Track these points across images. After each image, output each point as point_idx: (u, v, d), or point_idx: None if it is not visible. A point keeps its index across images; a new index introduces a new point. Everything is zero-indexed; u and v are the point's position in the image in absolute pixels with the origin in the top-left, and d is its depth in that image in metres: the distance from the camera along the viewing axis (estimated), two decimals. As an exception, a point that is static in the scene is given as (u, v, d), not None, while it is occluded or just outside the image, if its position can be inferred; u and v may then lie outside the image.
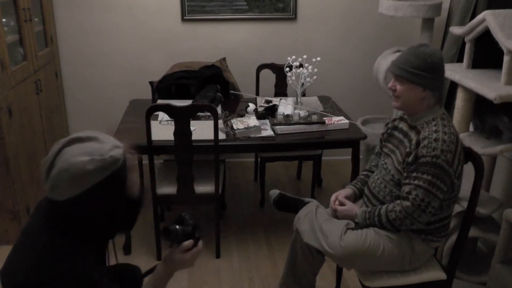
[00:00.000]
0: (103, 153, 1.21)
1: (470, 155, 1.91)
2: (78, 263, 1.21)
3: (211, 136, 2.53)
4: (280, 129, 2.74)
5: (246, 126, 2.71)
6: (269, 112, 2.96)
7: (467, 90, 2.23)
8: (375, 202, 1.99)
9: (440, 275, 1.98)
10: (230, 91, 3.35)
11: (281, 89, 3.53)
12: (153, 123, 2.61)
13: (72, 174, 1.17)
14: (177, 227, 1.42)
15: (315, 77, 3.06)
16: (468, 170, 1.95)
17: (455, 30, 2.41)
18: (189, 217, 1.47)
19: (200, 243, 1.47)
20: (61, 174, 1.18)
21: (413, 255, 1.92)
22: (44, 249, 1.22)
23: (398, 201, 1.84)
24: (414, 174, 1.79)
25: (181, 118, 2.48)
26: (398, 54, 3.14)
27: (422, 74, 1.77)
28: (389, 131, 2.08)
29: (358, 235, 1.89)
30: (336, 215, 2.06)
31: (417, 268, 1.97)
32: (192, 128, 2.53)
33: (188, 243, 1.43)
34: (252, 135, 2.68)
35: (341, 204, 2.06)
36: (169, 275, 1.46)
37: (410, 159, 1.81)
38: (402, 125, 2.00)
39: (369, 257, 1.88)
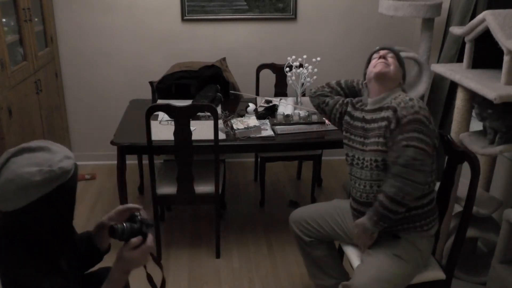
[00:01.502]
0: (52, 164, 1.16)
1: (466, 155, 1.92)
2: (27, 276, 1.17)
3: (211, 136, 2.53)
4: (280, 129, 2.74)
5: (246, 126, 2.71)
6: (269, 112, 2.96)
7: (467, 90, 2.23)
8: (368, 209, 1.93)
9: (439, 275, 1.99)
10: (230, 91, 3.35)
11: (281, 89, 3.53)
12: (153, 123, 2.61)
13: (18, 185, 1.13)
14: (124, 224, 1.39)
15: (315, 77, 3.06)
16: (467, 170, 1.95)
17: (455, 30, 2.41)
18: (139, 214, 1.44)
19: (150, 239, 1.40)
20: (7, 185, 1.13)
21: (422, 256, 1.93)
22: None
23: (387, 180, 1.82)
24: (399, 136, 1.80)
25: (181, 118, 2.48)
26: (398, 54, 3.15)
27: (404, 62, 2.08)
28: (348, 118, 2.10)
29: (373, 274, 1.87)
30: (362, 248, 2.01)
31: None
32: (192, 128, 2.53)
33: (136, 239, 1.38)
34: (252, 135, 2.68)
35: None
36: (124, 274, 1.40)
37: (392, 125, 1.84)
38: (358, 114, 2.05)
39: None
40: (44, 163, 1.16)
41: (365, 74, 2.11)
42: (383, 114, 1.92)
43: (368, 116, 2.00)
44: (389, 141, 1.85)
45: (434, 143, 1.86)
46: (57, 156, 1.20)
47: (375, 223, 1.85)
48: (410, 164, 1.76)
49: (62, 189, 1.19)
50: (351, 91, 2.25)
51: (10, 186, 1.13)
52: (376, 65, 2.00)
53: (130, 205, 1.49)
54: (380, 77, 1.98)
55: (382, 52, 2.04)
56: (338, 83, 2.27)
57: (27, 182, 1.13)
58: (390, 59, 2.01)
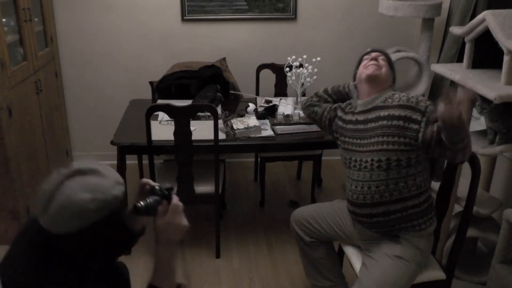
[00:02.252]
0: (105, 192, 1.19)
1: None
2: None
3: (211, 136, 2.54)
4: (280, 129, 2.74)
5: (246, 126, 2.71)
6: (269, 112, 2.96)
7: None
8: (365, 211, 1.95)
9: (439, 275, 1.99)
10: (230, 91, 3.35)
11: (281, 89, 3.53)
12: (153, 123, 2.61)
13: (73, 212, 1.15)
14: (146, 199, 1.38)
15: (315, 77, 3.06)
16: (467, 170, 1.95)
17: (455, 30, 2.41)
18: (158, 187, 1.43)
19: (174, 199, 1.39)
20: (62, 210, 1.15)
21: (422, 255, 1.93)
22: (35, 281, 1.19)
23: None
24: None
25: (181, 118, 2.48)
26: (398, 54, 3.15)
27: (393, 63, 2.12)
28: (340, 123, 2.11)
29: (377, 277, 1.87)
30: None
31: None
32: (192, 128, 2.53)
33: (162, 207, 1.38)
34: (252, 135, 2.68)
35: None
36: (169, 246, 1.38)
37: (419, 116, 1.83)
38: (350, 117, 2.06)
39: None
40: (97, 190, 1.17)
41: (355, 75, 2.14)
42: (383, 113, 1.92)
43: (361, 117, 2.01)
44: (426, 125, 1.81)
45: None
46: (108, 181, 1.21)
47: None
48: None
49: (113, 216, 1.21)
50: (339, 96, 2.29)
51: (64, 212, 1.15)
52: (367, 67, 2.02)
53: (143, 180, 1.48)
54: (372, 79, 2.00)
55: (373, 54, 2.07)
56: (325, 91, 2.34)
57: (81, 209, 1.15)
58: (382, 61, 2.05)
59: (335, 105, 2.22)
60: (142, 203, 1.37)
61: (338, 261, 2.29)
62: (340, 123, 2.12)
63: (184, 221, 1.39)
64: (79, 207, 1.15)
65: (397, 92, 2.01)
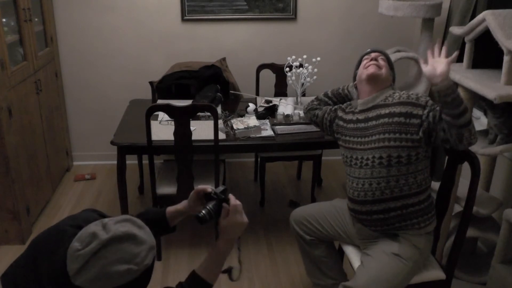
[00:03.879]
0: (139, 262, 1.21)
1: (466, 155, 1.92)
2: None
3: (211, 136, 2.54)
4: (280, 129, 2.74)
5: (246, 126, 2.71)
6: (269, 112, 2.97)
7: (467, 90, 2.23)
8: (366, 208, 1.96)
9: (439, 274, 1.99)
10: (230, 91, 3.35)
11: (281, 89, 3.53)
12: (153, 123, 2.61)
13: (107, 280, 1.19)
14: (207, 207, 1.45)
15: (315, 77, 3.06)
16: (467, 170, 1.96)
17: (455, 30, 2.41)
18: (213, 192, 1.49)
19: (232, 199, 1.47)
20: (97, 279, 1.18)
21: (421, 254, 1.93)
22: None
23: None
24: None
25: (181, 118, 2.48)
26: (398, 54, 3.15)
27: (392, 64, 2.15)
28: (341, 122, 2.12)
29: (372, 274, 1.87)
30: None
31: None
32: (192, 128, 2.53)
33: (224, 211, 1.46)
34: (252, 135, 2.68)
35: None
36: (229, 243, 1.53)
37: (420, 111, 1.85)
38: (350, 116, 2.08)
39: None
40: (132, 260, 1.20)
41: (355, 75, 2.16)
42: (384, 111, 1.94)
43: (362, 116, 2.03)
44: (433, 119, 1.82)
45: None
46: (143, 248, 1.23)
47: (456, 92, 1.74)
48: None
49: (139, 279, 1.24)
50: (339, 98, 2.33)
51: (98, 280, 1.18)
52: (368, 67, 2.04)
53: (198, 188, 1.55)
54: (373, 78, 2.02)
55: (373, 55, 2.09)
56: (325, 94, 2.37)
57: (114, 278, 1.19)
58: (381, 61, 2.07)
59: (336, 106, 2.24)
60: (204, 212, 1.45)
61: (339, 259, 2.29)
62: (341, 122, 2.13)
63: (245, 218, 1.48)
64: (113, 277, 1.18)
65: (397, 90, 2.03)
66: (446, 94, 1.72)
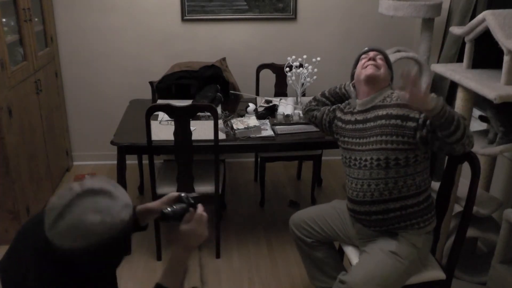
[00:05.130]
0: (114, 215, 1.21)
1: (466, 155, 1.92)
2: None
3: (211, 136, 2.54)
4: (280, 129, 2.74)
5: (246, 126, 2.71)
6: (269, 112, 2.97)
7: (467, 90, 2.23)
8: (365, 208, 1.96)
9: (439, 274, 1.99)
10: (230, 91, 3.35)
11: (281, 89, 3.53)
12: (153, 123, 2.61)
13: (80, 232, 1.18)
14: (174, 206, 1.46)
15: (315, 77, 3.06)
16: (467, 170, 1.95)
17: (455, 30, 2.41)
18: (185, 196, 1.50)
19: (200, 208, 1.47)
20: (70, 229, 1.18)
21: (419, 253, 1.93)
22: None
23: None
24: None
25: (181, 118, 2.48)
26: (398, 54, 3.15)
27: (390, 62, 2.11)
28: (340, 123, 2.11)
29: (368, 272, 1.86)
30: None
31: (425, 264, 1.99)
32: (192, 128, 2.53)
33: (189, 214, 1.45)
34: (252, 135, 2.68)
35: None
36: (186, 251, 1.45)
37: (417, 115, 1.82)
38: (349, 117, 2.06)
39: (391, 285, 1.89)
40: (107, 212, 1.20)
41: (352, 74, 2.13)
42: (381, 112, 1.92)
43: (360, 117, 2.01)
44: (426, 124, 1.78)
45: None
46: (118, 204, 1.24)
47: (444, 110, 1.67)
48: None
49: (117, 238, 1.24)
50: (336, 98, 2.30)
51: (72, 231, 1.18)
52: (366, 67, 2.01)
53: (174, 194, 1.55)
54: (371, 79, 1.99)
55: (371, 54, 2.05)
56: (323, 94, 2.35)
57: (89, 230, 1.18)
58: (380, 60, 2.03)
59: (334, 106, 2.23)
60: (169, 209, 1.45)
61: (340, 258, 2.29)
62: (339, 123, 2.12)
63: (206, 231, 1.47)
64: (86, 228, 1.17)
65: (396, 91, 2.00)
66: (438, 118, 1.67)
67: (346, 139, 2.06)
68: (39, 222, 1.26)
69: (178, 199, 1.50)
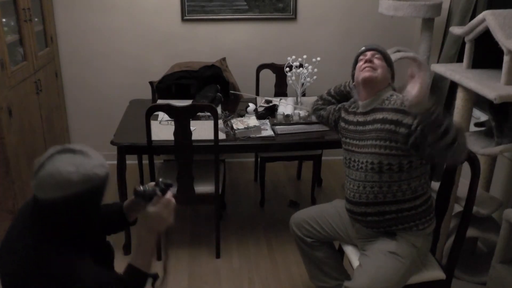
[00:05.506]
0: (88, 169, 1.33)
1: (466, 155, 1.92)
2: (58, 261, 1.32)
3: (211, 136, 2.54)
4: (280, 129, 2.74)
5: (246, 126, 2.71)
6: (269, 112, 2.97)
7: (467, 90, 2.23)
8: (361, 209, 1.97)
9: (439, 274, 1.99)
10: (230, 91, 3.35)
11: (281, 89, 3.53)
12: (153, 123, 2.61)
13: (56, 179, 1.30)
14: (146, 186, 1.52)
15: (315, 77, 3.06)
16: (467, 170, 1.95)
17: (455, 30, 2.41)
18: (161, 181, 1.53)
19: (168, 193, 1.51)
20: (48, 177, 1.31)
21: (418, 253, 1.93)
22: (26, 250, 1.35)
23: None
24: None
25: (181, 118, 2.48)
26: (398, 54, 3.15)
27: (390, 58, 2.04)
28: (343, 124, 2.10)
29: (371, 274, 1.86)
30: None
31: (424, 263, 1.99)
32: (192, 128, 2.53)
33: (156, 197, 1.49)
34: (252, 135, 2.68)
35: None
36: (150, 233, 1.50)
37: (410, 121, 1.77)
38: (352, 117, 2.04)
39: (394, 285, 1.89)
40: (82, 166, 1.33)
41: (353, 75, 2.10)
42: (379, 115, 1.91)
43: (361, 119, 2.00)
44: (417, 130, 1.74)
45: None
46: (94, 162, 1.37)
47: (438, 107, 1.65)
48: (458, 130, 1.67)
49: (92, 192, 1.35)
50: (342, 96, 2.29)
51: (49, 179, 1.31)
52: (363, 70, 1.97)
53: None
54: (368, 82, 1.96)
55: (369, 54, 1.99)
56: (328, 93, 2.33)
57: (64, 178, 1.30)
58: (377, 60, 1.97)
59: (339, 105, 2.21)
60: (141, 187, 1.52)
61: (340, 258, 2.29)
62: (342, 124, 2.12)
63: (171, 218, 1.51)
64: (62, 177, 1.30)
65: (396, 93, 1.99)
66: (428, 116, 1.64)
67: (347, 140, 2.06)
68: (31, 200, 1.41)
69: (156, 183, 1.54)
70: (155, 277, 1.50)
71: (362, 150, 1.95)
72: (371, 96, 1.98)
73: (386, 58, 2.02)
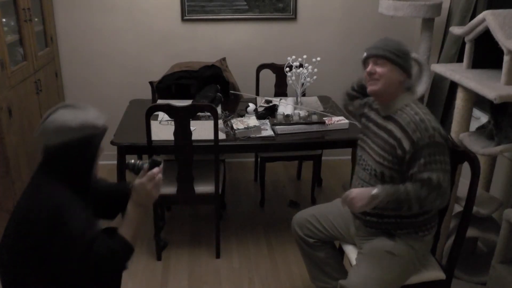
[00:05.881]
0: (86, 118, 1.53)
1: (466, 155, 1.92)
2: (54, 194, 1.49)
3: (211, 136, 2.54)
4: (280, 129, 2.74)
5: (246, 126, 2.71)
6: (269, 112, 2.96)
7: (467, 90, 2.23)
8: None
9: (439, 275, 1.99)
10: (230, 91, 3.35)
11: (281, 89, 3.53)
12: (153, 123, 2.61)
13: (57, 126, 1.50)
14: (137, 160, 1.68)
15: (315, 77, 3.06)
16: (467, 170, 1.95)
17: (455, 30, 2.41)
18: (155, 158, 1.66)
19: (156, 170, 1.62)
20: (50, 124, 1.51)
21: (416, 254, 1.92)
22: (31, 185, 1.57)
23: (420, 183, 1.76)
24: (422, 160, 1.75)
25: (181, 118, 2.48)
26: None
27: (403, 56, 1.87)
28: (364, 120, 2.07)
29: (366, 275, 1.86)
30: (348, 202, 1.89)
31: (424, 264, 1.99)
32: (192, 128, 2.53)
33: (142, 171, 1.65)
34: (252, 135, 2.68)
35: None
36: (137, 206, 1.62)
37: (407, 147, 1.77)
38: (375, 117, 1.99)
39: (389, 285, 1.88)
40: (80, 116, 1.53)
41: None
42: (390, 126, 1.88)
43: (379, 120, 1.97)
44: (406, 163, 1.80)
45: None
46: (91, 114, 1.57)
47: (387, 195, 1.79)
48: (443, 185, 1.75)
49: (89, 139, 1.54)
50: (365, 90, 2.15)
51: (51, 126, 1.51)
52: (367, 82, 1.92)
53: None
54: (373, 95, 1.95)
55: (370, 65, 1.89)
56: (352, 87, 2.22)
57: (64, 125, 1.50)
58: (379, 68, 1.86)
59: (365, 100, 2.13)
60: (132, 161, 1.69)
61: (340, 259, 2.29)
62: (364, 120, 2.08)
63: (156, 192, 1.62)
64: (62, 123, 1.50)
65: (413, 103, 1.87)
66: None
67: (364, 137, 2.04)
68: None
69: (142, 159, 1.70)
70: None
71: (370, 152, 1.95)
72: (385, 103, 1.93)
73: (391, 58, 1.86)
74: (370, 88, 1.90)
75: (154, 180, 1.61)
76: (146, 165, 1.64)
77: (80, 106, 1.57)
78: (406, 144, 1.78)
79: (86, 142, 1.53)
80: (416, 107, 1.85)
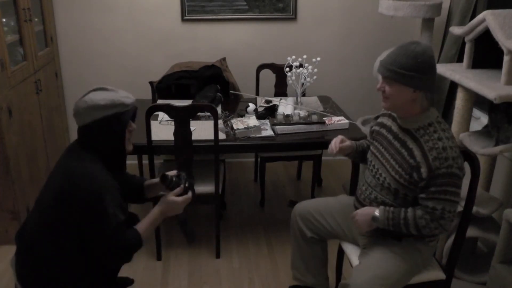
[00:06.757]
0: (114, 97, 1.70)
1: (466, 155, 1.92)
2: (90, 166, 1.65)
3: (211, 136, 2.54)
4: (280, 129, 2.74)
5: (246, 126, 2.71)
6: (269, 112, 2.96)
7: (467, 90, 2.23)
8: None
9: (439, 275, 1.99)
10: (230, 91, 3.35)
11: (281, 89, 3.53)
12: (153, 123, 2.61)
13: (88, 105, 1.66)
14: (174, 177, 1.84)
15: (315, 77, 3.06)
16: (467, 170, 1.95)
17: (455, 30, 2.41)
18: (184, 176, 1.88)
19: (190, 194, 1.84)
20: (81, 104, 1.68)
21: (421, 256, 1.93)
22: (69, 157, 1.72)
23: (422, 211, 1.78)
24: (433, 188, 1.73)
25: (181, 118, 2.48)
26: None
27: (411, 74, 1.70)
28: (377, 128, 2.03)
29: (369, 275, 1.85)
30: (354, 218, 1.95)
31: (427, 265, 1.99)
32: (192, 128, 2.53)
33: (179, 189, 1.83)
34: (252, 135, 2.68)
35: (341, 141, 2.03)
36: (162, 214, 1.82)
37: (424, 174, 1.73)
38: (392, 125, 1.93)
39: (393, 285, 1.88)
40: (110, 96, 1.70)
41: None
42: (410, 143, 1.81)
43: (396, 129, 1.89)
44: (412, 185, 1.80)
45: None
46: (121, 94, 1.74)
47: (387, 219, 1.83)
48: (447, 217, 1.76)
49: (118, 115, 1.69)
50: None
51: (83, 105, 1.67)
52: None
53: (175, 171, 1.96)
54: (389, 110, 1.92)
55: (379, 85, 1.83)
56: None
57: (94, 103, 1.66)
58: (388, 87, 1.78)
59: (379, 114, 2.11)
60: (170, 176, 1.84)
61: (326, 262, 2.30)
62: (376, 128, 2.03)
63: (181, 210, 1.86)
64: (93, 102, 1.66)
65: (436, 122, 1.79)
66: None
67: (375, 143, 2.00)
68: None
69: (178, 175, 1.88)
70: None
71: (385, 164, 1.89)
72: (405, 118, 1.85)
73: (398, 80, 1.73)
74: (382, 105, 1.85)
75: (185, 203, 1.84)
76: (182, 184, 1.84)
77: (109, 88, 1.74)
78: (423, 171, 1.74)
79: (116, 119, 1.69)
80: (439, 128, 1.77)
